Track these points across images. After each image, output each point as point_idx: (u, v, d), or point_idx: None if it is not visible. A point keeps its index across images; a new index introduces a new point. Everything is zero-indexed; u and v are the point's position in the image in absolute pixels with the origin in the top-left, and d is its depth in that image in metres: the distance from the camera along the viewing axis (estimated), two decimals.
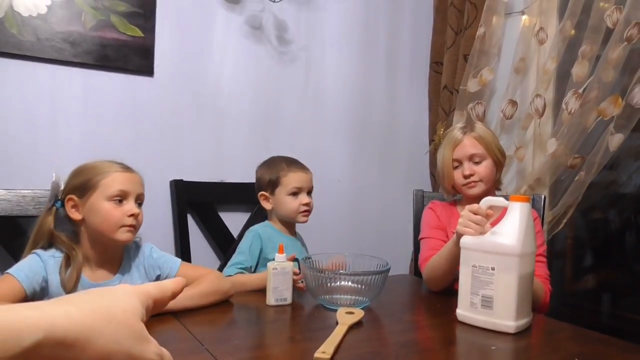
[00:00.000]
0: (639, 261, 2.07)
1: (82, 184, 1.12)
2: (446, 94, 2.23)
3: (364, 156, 2.29)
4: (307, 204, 1.45)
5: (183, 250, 1.81)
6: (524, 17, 2.03)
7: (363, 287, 1.14)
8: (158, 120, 1.83)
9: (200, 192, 1.89)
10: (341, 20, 2.20)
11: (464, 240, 1.10)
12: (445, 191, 1.55)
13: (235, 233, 1.92)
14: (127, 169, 1.17)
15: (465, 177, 1.43)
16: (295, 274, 1.22)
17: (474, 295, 1.06)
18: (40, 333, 0.34)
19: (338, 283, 1.15)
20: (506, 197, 1.13)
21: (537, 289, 1.24)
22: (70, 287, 1.08)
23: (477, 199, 1.21)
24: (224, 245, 1.90)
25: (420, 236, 1.52)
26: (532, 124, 2.00)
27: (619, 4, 1.70)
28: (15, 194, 1.35)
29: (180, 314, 1.04)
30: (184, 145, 1.88)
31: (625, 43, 1.69)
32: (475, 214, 1.13)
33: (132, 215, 1.12)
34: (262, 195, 1.49)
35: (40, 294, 1.08)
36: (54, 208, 1.14)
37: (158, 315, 0.70)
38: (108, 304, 0.40)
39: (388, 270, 1.17)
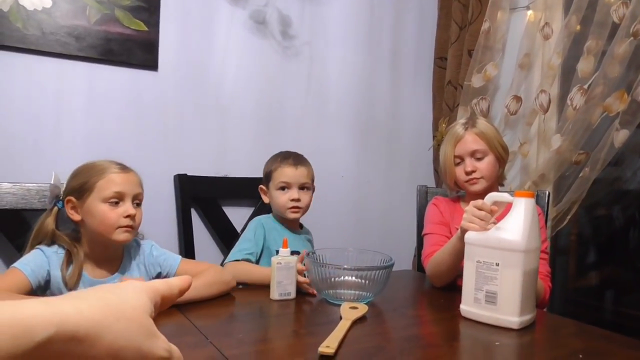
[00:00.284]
0: None
1: (79, 186, 1.14)
2: (450, 89, 2.22)
3: (368, 151, 2.29)
4: (295, 200, 1.40)
5: (187, 245, 1.81)
6: (529, 12, 2.02)
7: (367, 282, 1.14)
8: (162, 114, 1.83)
9: (204, 186, 1.89)
10: (345, 15, 2.19)
11: (469, 235, 1.10)
12: (448, 187, 1.55)
13: (238, 228, 1.92)
14: (124, 169, 1.17)
15: (467, 173, 1.42)
16: (300, 273, 1.21)
17: (478, 291, 1.06)
18: (52, 328, 0.34)
19: (342, 278, 1.15)
20: (510, 193, 1.13)
21: (537, 286, 1.24)
22: (72, 283, 1.10)
23: (480, 195, 1.21)
24: (228, 239, 1.91)
25: (423, 232, 1.52)
26: (536, 120, 1.99)
27: None
28: (20, 187, 1.36)
29: (185, 307, 1.04)
30: (188, 140, 1.88)
31: (632, 38, 1.68)
32: (479, 209, 1.13)
33: (128, 216, 1.12)
34: (261, 188, 1.49)
35: (44, 287, 1.09)
36: (55, 208, 1.16)
37: None
38: (118, 301, 0.40)
39: (392, 265, 1.17)
